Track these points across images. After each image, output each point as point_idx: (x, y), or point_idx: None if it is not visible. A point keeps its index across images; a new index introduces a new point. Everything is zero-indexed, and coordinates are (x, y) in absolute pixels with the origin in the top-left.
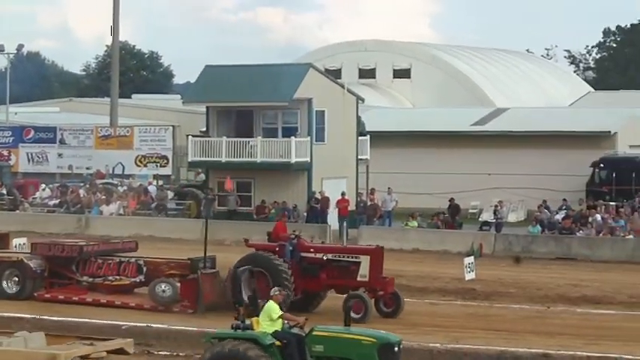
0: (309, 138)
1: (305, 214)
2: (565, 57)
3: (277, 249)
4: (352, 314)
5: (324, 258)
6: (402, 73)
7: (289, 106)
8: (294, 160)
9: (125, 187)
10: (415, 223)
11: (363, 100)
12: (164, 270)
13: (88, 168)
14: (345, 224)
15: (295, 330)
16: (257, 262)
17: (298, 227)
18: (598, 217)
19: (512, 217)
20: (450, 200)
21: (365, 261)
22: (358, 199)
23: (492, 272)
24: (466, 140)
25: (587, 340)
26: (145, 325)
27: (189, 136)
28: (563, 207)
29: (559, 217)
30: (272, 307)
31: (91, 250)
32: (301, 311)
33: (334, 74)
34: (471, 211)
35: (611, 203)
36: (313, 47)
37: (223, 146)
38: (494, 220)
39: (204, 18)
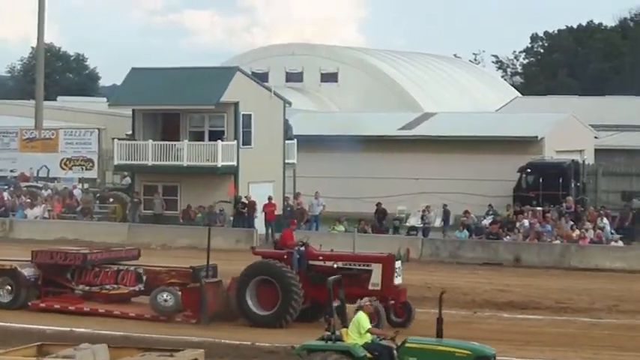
0: (235, 142)
1: (231, 218)
2: (493, 62)
3: (285, 257)
4: None
5: (334, 266)
6: (329, 77)
7: (216, 109)
8: (220, 163)
9: (50, 191)
10: (342, 228)
11: (290, 103)
12: (164, 279)
13: (12, 171)
14: (271, 228)
15: (385, 342)
16: (265, 271)
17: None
18: (525, 222)
19: (439, 222)
20: (377, 205)
21: (377, 269)
22: (285, 203)
23: (419, 277)
24: (393, 145)
25: (514, 346)
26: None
27: (115, 140)
28: (490, 212)
29: (486, 222)
30: (362, 320)
31: (95, 257)
32: (309, 321)
33: (261, 78)
34: (398, 215)
35: (538, 208)
36: (241, 50)
37: (149, 150)
38: (421, 225)
39: (131, 20)
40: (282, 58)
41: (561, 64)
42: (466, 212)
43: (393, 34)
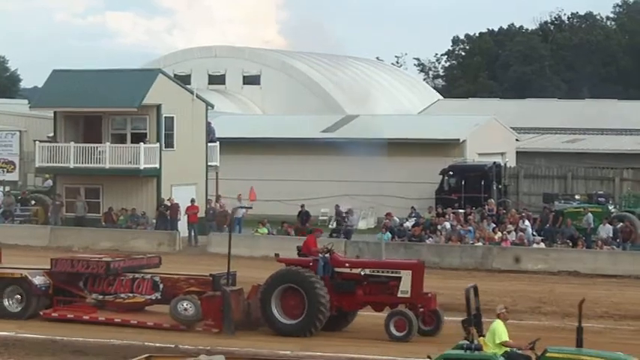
0: (158, 144)
1: (154, 220)
2: (415, 65)
3: (311, 264)
4: (394, 332)
5: (362, 273)
6: (251, 80)
7: (138, 112)
8: (143, 166)
9: None
10: (265, 230)
11: (212, 106)
12: (183, 287)
13: None
14: (194, 231)
15: (522, 351)
16: (291, 278)
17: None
18: (447, 224)
19: (362, 224)
20: (300, 207)
21: (406, 276)
22: (208, 205)
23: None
24: (316, 147)
25: (438, 348)
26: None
27: (37, 142)
28: (413, 214)
29: (408, 224)
30: (499, 329)
31: (117, 266)
32: (333, 330)
33: (184, 80)
34: (321, 217)
35: (460, 210)
36: (163, 53)
37: (71, 152)
38: (344, 227)
39: (53, 22)
40: (204, 60)
41: (483, 66)
42: (388, 214)
43: (316, 37)
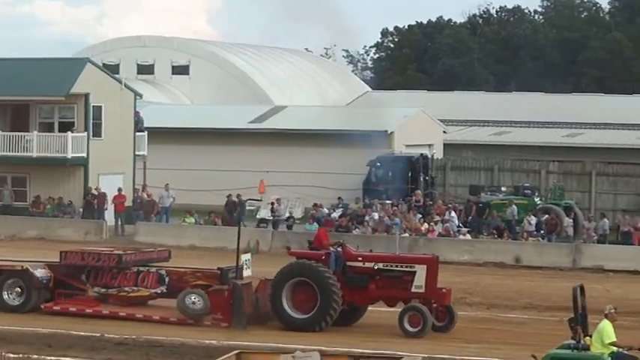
0: (85, 133)
1: (81, 209)
2: (343, 56)
3: (323, 257)
4: (408, 328)
5: (375, 267)
6: (180, 70)
7: (66, 100)
8: (70, 155)
9: None
10: (192, 220)
11: (141, 95)
12: (189, 280)
13: None
14: (121, 220)
15: (629, 352)
16: (302, 272)
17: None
18: (374, 215)
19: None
20: (227, 197)
21: (421, 271)
22: (135, 195)
23: (269, 269)
24: (244, 138)
25: (362, 338)
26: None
27: None
28: (340, 205)
29: (336, 215)
30: (607, 330)
31: (130, 259)
32: (344, 325)
33: (112, 69)
34: (248, 208)
35: (387, 202)
36: (91, 42)
37: None
38: (271, 218)
39: None
40: (133, 50)
41: (411, 59)
42: (316, 205)
43: (245, 28)
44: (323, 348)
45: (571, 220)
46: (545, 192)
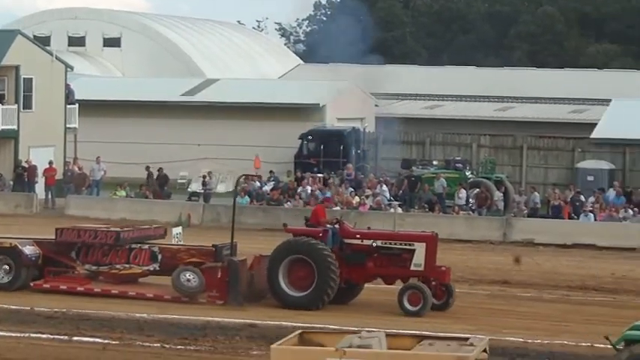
0: (16, 105)
1: (11, 182)
2: (276, 29)
3: (321, 234)
4: (408, 307)
5: (373, 245)
6: (112, 42)
7: None
8: (0, 127)
9: None
10: (123, 193)
11: (72, 68)
12: (183, 257)
13: None
14: (51, 193)
15: None
16: (300, 249)
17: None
18: (307, 188)
19: (221, 188)
20: (158, 170)
21: (420, 248)
22: (66, 167)
23: (201, 242)
24: (176, 110)
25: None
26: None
27: None
28: (272, 178)
29: (267, 188)
30: None
31: (128, 236)
32: (341, 303)
33: (43, 41)
34: (179, 181)
35: (318, 175)
36: (22, 14)
37: None
38: (202, 191)
39: None
40: (64, 22)
41: (344, 31)
42: (247, 178)
43: (178, 0)
44: (390, 330)
45: (501, 194)
46: (476, 166)
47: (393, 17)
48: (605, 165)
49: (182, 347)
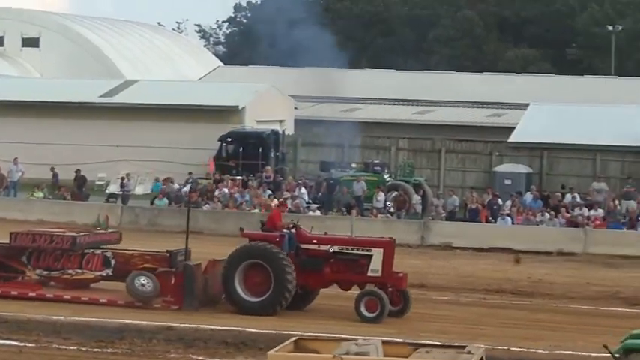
0: None
1: None
2: (196, 31)
3: (278, 239)
4: (365, 313)
5: (331, 250)
6: (30, 42)
7: None
8: None
9: None
10: (41, 194)
11: None
12: (137, 263)
13: None
14: None
15: None
16: (256, 254)
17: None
18: (225, 191)
19: (139, 190)
20: (76, 172)
21: (378, 254)
22: None
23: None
24: (94, 111)
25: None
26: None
27: None
28: (190, 180)
29: (186, 190)
30: None
31: (84, 241)
32: (296, 309)
33: None
34: (98, 182)
35: (237, 177)
36: None
37: None
38: (120, 193)
39: None
40: None
41: (263, 35)
42: (166, 180)
43: (97, 1)
44: (384, 338)
45: (420, 198)
46: (394, 169)
47: (314, 20)
48: (522, 169)
49: (99, 350)
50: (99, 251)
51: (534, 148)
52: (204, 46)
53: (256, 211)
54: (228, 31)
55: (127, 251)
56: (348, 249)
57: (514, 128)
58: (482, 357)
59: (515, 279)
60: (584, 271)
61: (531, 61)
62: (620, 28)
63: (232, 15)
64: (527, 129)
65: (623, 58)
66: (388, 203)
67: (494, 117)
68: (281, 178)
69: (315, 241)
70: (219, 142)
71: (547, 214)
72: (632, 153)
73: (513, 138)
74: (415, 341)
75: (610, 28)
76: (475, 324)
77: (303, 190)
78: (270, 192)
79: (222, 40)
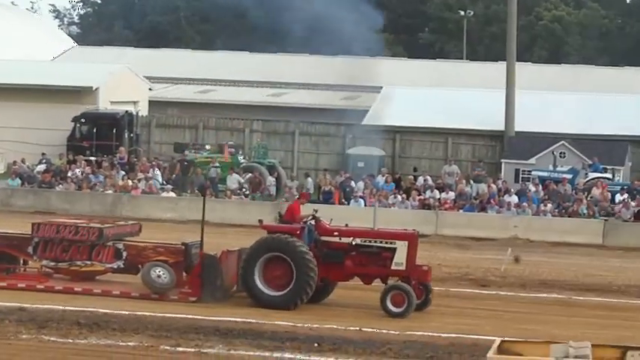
0: None
1: None
2: (50, 11)
3: (298, 231)
4: (392, 308)
5: (353, 243)
6: None
7: None
8: None
9: None
10: None
11: None
12: (150, 256)
13: None
14: None
15: None
16: (277, 247)
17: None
18: (77, 171)
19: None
20: None
21: (402, 247)
22: None
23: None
24: None
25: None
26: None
27: None
28: (43, 160)
29: (39, 169)
30: None
31: (110, 233)
32: (317, 302)
33: None
34: None
35: (91, 158)
36: None
37: None
38: None
39: None
40: None
41: (118, 15)
42: (22, 160)
43: None
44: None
45: (274, 179)
46: (249, 151)
47: (167, 1)
48: (375, 151)
49: None
50: (110, 242)
51: (387, 130)
52: (59, 26)
53: (110, 192)
54: (82, 12)
55: (139, 243)
56: (371, 241)
57: (368, 111)
58: None
59: None
60: (436, 252)
61: (385, 45)
62: (471, 13)
63: None
64: (381, 112)
65: (474, 43)
66: (243, 184)
67: (349, 100)
68: (135, 159)
69: (336, 233)
70: (73, 123)
71: (399, 197)
72: (483, 136)
73: (367, 121)
74: (621, 344)
75: (462, 13)
76: (328, 305)
77: (157, 171)
78: (123, 173)
79: (77, 21)
